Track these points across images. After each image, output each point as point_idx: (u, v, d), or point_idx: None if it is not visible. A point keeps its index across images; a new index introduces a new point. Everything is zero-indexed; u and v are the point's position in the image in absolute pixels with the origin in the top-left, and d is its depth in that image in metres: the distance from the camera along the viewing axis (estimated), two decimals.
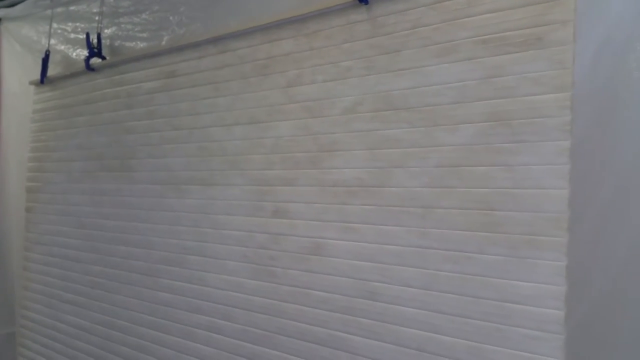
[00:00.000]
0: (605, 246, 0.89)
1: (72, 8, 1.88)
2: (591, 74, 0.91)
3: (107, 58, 1.68)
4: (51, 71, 1.85)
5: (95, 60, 1.68)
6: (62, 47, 1.89)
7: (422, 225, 0.98)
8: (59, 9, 1.89)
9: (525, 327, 0.86)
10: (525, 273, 0.86)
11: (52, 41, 1.89)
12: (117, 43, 1.71)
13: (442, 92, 0.98)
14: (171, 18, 1.55)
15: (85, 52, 1.71)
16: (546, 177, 0.85)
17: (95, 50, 1.67)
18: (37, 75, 1.87)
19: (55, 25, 1.90)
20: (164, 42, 1.55)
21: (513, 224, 0.88)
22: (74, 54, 1.86)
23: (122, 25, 1.70)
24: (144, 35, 1.63)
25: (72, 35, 1.87)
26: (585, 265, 0.90)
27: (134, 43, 1.65)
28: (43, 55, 1.84)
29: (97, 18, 1.74)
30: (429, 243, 0.97)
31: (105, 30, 1.74)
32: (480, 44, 0.94)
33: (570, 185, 0.84)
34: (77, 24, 1.86)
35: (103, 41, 1.70)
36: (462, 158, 0.94)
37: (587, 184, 0.89)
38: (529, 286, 0.86)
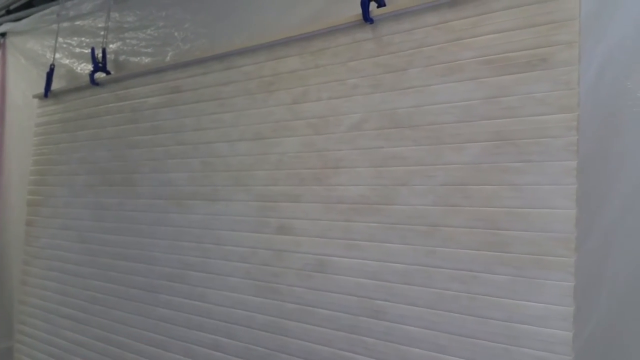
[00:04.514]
0: (612, 265, 0.89)
1: (77, 23, 1.89)
2: (594, 94, 0.92)
3: (112, 73, 1.69)
4: (55, 85, 1.85)
5: (99, 75, 1.69)
6: (67, 62, 1.90)
7: (428, 244, 0.98)
8: (65, 24, 1.91)
9: (532, 347, 0.85)
10: (533, 293, 0.86)
11: (57, 55, 1.90)
12: (121, 58, 1.72)
13: (447, 111, 0.98)
14: (176, 34, 1.56)
15: (90, 67, 1.72)
16: (553, 197, 0.86)
17: (100, 65, 1.68)
18: (41, 89, 1.87)
19: (60, 39, 1.91)
20: (168, 58, 1.56)
21: (520, 244, 0.88)
22: (79, 68, 1.87)
23: (127, 41, 1.71)
24: (149, 50, 1.64)
25: (77, 50, 1.89)
26: (593, 285, 0.89)
27: (138, 58, 1.66)
28: (48, 69, 1.84)
29: (102, 33, 1.75)
30: (435, 262, 0.97)
31: (111, 45, 1.75)
32: (485, 64, 0.95)
33: (577, 205, 0.84)
34: (83, 39, 1.87)
35: (108, 56, 1.71)
36: (468, 177, 0.94)
37: (594, 203, 0.90)
38: (537, 306, 0.85)
